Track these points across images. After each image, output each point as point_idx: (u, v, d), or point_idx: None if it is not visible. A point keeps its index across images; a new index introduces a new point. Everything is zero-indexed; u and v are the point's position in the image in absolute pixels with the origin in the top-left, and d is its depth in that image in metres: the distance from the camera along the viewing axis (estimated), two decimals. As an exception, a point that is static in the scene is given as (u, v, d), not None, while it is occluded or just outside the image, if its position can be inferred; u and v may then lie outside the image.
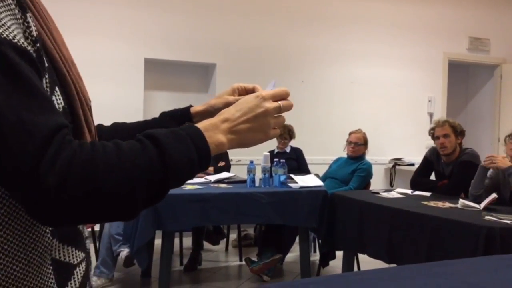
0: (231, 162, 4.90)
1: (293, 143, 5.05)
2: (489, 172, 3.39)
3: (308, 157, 5.08)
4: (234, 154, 5.13)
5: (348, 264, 3.64)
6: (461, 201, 3.19)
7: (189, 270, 4.22)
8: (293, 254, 4.38)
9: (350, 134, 4.47)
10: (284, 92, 0.86)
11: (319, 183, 3.92)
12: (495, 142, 6.86)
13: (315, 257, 4.44)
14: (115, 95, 5.20)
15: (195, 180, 4.06)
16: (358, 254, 3.76)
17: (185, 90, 5.81)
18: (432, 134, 3.90)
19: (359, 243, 3.35)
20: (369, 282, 1.62)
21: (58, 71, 0.75)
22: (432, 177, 4.06)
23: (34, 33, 0.71)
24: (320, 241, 4.02)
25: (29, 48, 0.68)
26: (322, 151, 5.71)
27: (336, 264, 3.97)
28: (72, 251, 0.77)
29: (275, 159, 3.96)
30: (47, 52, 0.74)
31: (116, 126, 1.07)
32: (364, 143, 4.41)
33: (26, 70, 0.66)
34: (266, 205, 3.55)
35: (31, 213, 0.65)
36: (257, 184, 3.83)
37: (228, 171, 4.60)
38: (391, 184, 6.08)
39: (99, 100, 4.51)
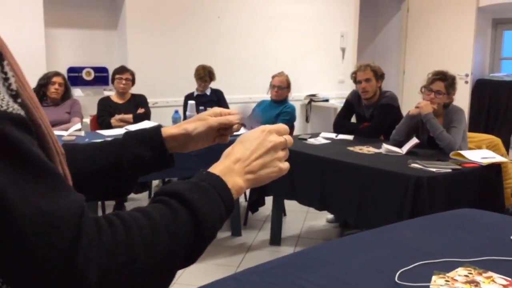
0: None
1: (212, 83, 4.92)
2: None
3: (228, 97, 5.00)
4: (150, 97, 4.88)
5: (277, 211, 3.73)
6: (384, 146, 3.34)
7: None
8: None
9: (273, 77, 4.42)
10: (285, 128, 0.84)
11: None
12: (400, 75, 7.19)
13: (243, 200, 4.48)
14: (14, 33, 4.61)
15: (116, 131, 3.84)
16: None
17: (92, 27, 5.33)
18: (354, 78, 3.97)
19: (289, 190, 3.41)
20: (323, 258, 1.64)
21: (34, 122, 0.60)
22: (353, 120, 4.19)
23: (14, 86, 0.56)
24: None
25: (20, 112, 0.55)
26: (242, 90, 5.62)
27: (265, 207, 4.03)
28: None
29: (200, 107, 3.83)
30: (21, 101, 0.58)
31: (72, 149, 0.90)
32: (287, 86, 4.39)
33: (28, 144, 0.54)
34: (194, 158, 3.44)
35: None
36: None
37: (149, 118, 4.39)
38: (307, 120, 6.21)
39: None
